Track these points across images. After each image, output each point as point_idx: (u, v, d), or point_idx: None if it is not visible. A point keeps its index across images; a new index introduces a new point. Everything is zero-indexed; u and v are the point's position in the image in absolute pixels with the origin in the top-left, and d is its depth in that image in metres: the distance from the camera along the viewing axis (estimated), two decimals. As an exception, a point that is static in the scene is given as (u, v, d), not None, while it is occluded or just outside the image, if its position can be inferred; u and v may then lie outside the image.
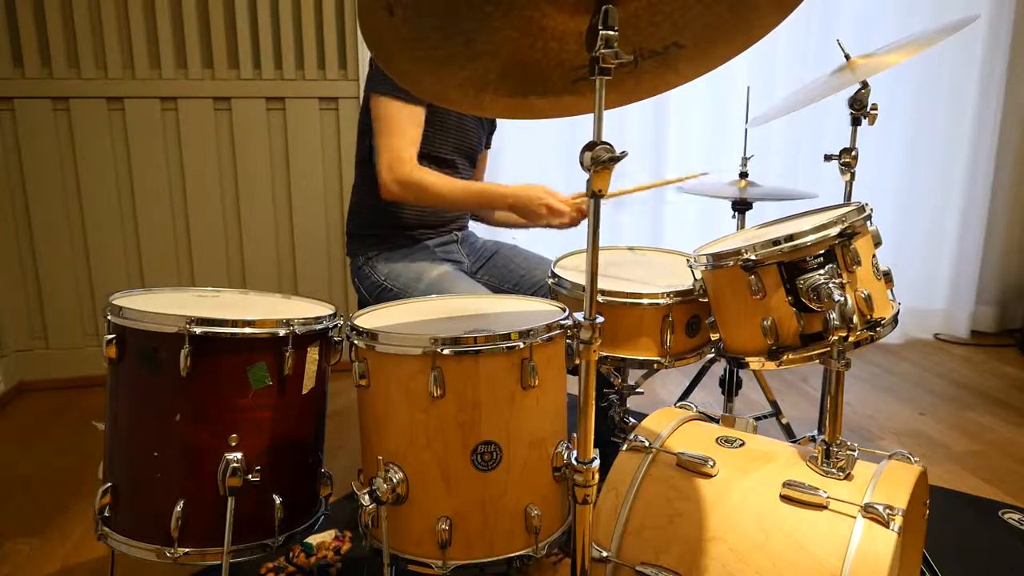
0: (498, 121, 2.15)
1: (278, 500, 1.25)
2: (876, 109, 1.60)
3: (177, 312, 1.19)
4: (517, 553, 1.19)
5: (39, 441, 2.39)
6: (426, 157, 1.79)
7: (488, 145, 2.11)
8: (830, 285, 1.19)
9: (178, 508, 1.19)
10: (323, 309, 1.39)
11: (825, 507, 1.06)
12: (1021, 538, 1.78)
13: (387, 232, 1.88)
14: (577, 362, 0.99)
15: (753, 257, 1.26)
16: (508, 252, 2.00)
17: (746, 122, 2.10)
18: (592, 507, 1.02)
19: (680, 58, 1.07)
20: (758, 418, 1.51)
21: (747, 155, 2.11)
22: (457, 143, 1.88)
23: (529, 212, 1.73)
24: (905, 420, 2.55)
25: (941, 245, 3.49)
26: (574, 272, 1.61)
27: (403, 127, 1.73)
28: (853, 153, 1.62)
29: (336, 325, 1.34)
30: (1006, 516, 1.88)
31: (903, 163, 3.39)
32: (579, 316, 0.97)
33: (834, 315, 1.13)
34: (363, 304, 1.84)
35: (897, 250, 3.39)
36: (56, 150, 2.75)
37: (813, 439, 1.27)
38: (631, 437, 1.25)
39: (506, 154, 2.13)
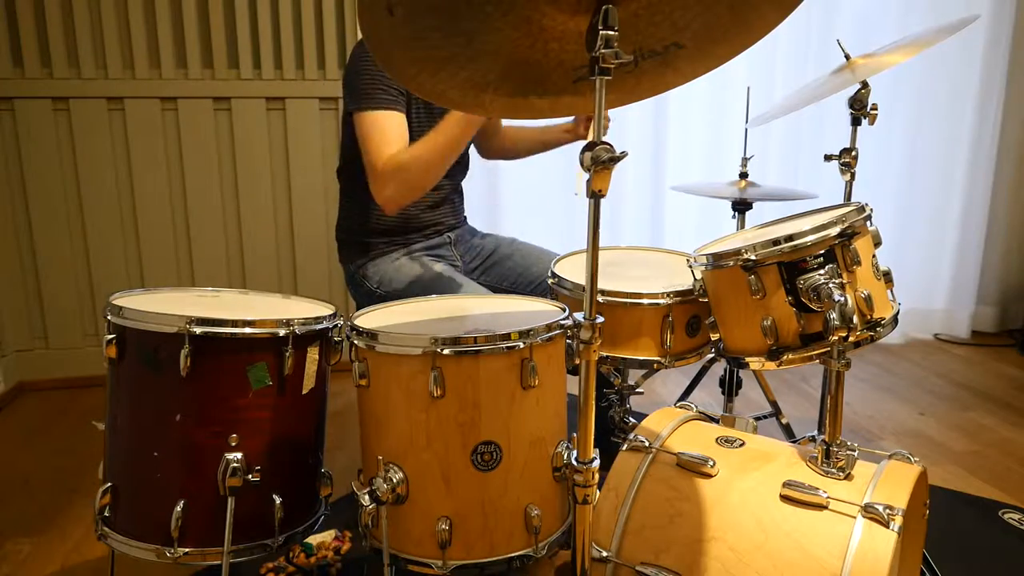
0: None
1: (278, 500, 1.25)
2: (876, 109, 1.60)
3: (177, 312, 1.19)
4: (517, 553, 1.19)
5: (39, 441, 2.38)
6: None
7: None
8: (830, 285, 1.19)
9: (178, 508, 1.19)
10: (323, 309, 1.39)
11: (825, 507, 1.06)
12: (1021, 538, 1.78)
13: (374, 239, 1.84)
14: (577, 362, 1.00)
15: (753, 257, 1.27)
16: (506, 250, 1.97)
17: (746, 122, 2.10)
18: (592, 507, 1.03)
19: (680, 58, 1.07)
20: (758, 418, 1.51)
21: (747, 155, 2.11)
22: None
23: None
24: (905, 420, 2.55)
25: (941, 245, 3.48)
26: (574, 272, 1.61)
27: (386, 137, 1.61)
28: (853, 153, 1.62)
29: (336, 325, 1.34)
30: (1006, 516, 1.88)
31: (903, 163, 3.38)
32: (579, 316, 0.97)
33: (834, 315, 1.13)
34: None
35: (897, 250, 3.39)
36: (56, 150, 2.75)
37: (813, 439, 1.27)
38: (631, 437, 1.25)
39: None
